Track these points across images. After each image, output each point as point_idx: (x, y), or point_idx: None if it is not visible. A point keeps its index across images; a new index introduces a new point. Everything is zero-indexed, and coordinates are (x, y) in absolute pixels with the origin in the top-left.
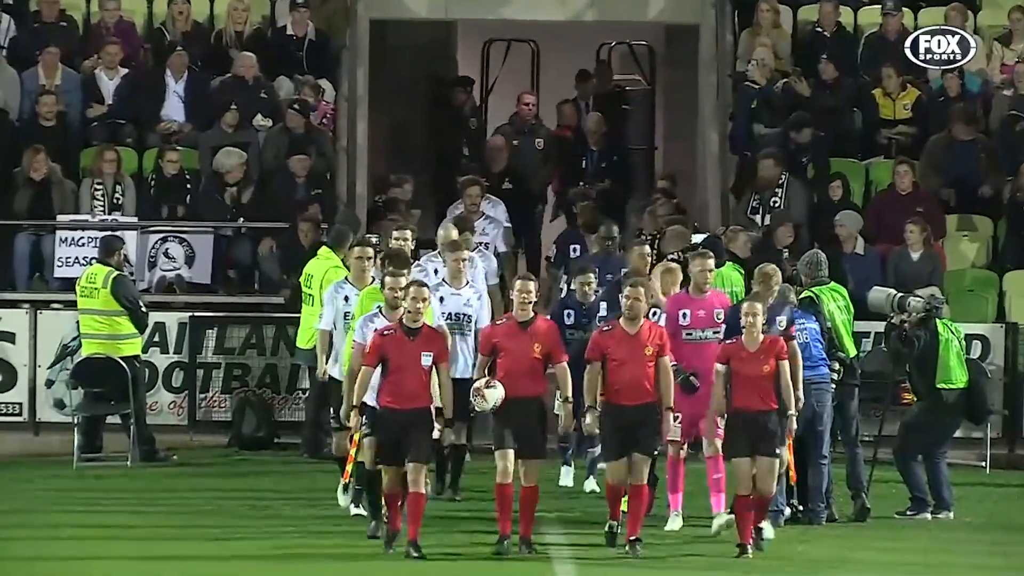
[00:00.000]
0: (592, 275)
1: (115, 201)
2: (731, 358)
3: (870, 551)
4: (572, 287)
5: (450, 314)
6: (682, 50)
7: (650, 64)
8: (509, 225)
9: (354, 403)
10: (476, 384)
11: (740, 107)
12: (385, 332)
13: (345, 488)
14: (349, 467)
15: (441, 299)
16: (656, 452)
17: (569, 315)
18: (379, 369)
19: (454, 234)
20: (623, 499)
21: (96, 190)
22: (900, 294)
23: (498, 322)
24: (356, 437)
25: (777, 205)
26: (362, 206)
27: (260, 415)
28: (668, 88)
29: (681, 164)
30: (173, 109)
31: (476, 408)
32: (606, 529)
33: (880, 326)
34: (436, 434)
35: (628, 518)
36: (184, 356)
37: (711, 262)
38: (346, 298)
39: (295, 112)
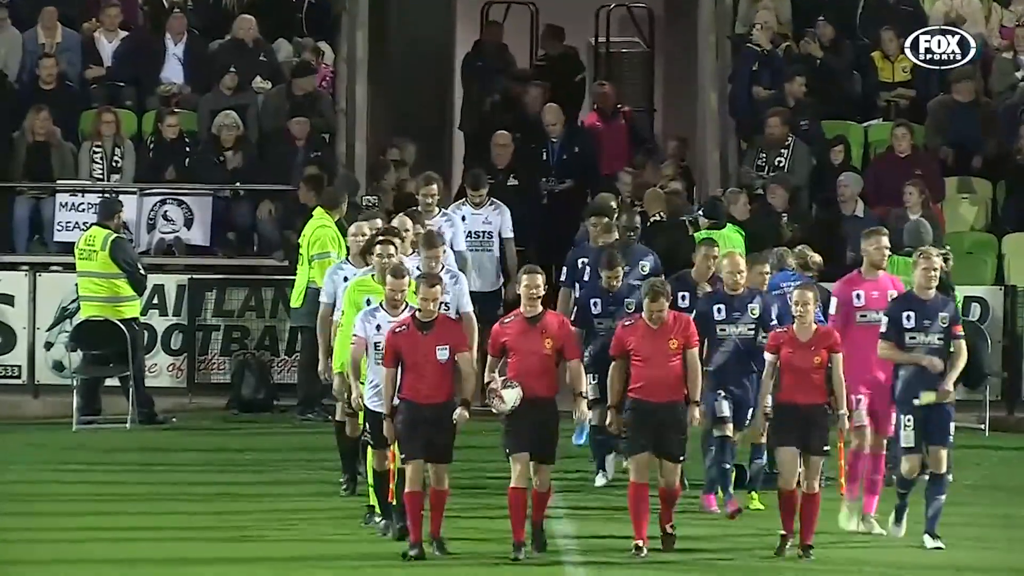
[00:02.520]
0: (621, 269)
1: (114, 164)
2: (781, 348)
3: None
4: (599, 276)
5: None
6: (681, 12)
7: (649, 26)
8: (510, 236)
9: (386, 412)
10: (492, 385)
11: (740, 69)
12: (398, 329)
13: (373, 511)
14: (393, 485)
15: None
16: (684, 458)
17: (596, 304)
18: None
19: (409, 223)
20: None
21: (95, 153)
22: None
23: (505, 320)
24: (394, 449)
25: (781, 165)
26: (361, 168)
27: (259, 377)
28: (667, 50)
29: (680, 126)
30: (172, 72)
31: (494, 410)
32: (631, 550)
33: None
34: (455, 417)
35: (661, 510)
36: (183, 318)
37: (886, 239)
38: (345, 278)
39: (306, 76)
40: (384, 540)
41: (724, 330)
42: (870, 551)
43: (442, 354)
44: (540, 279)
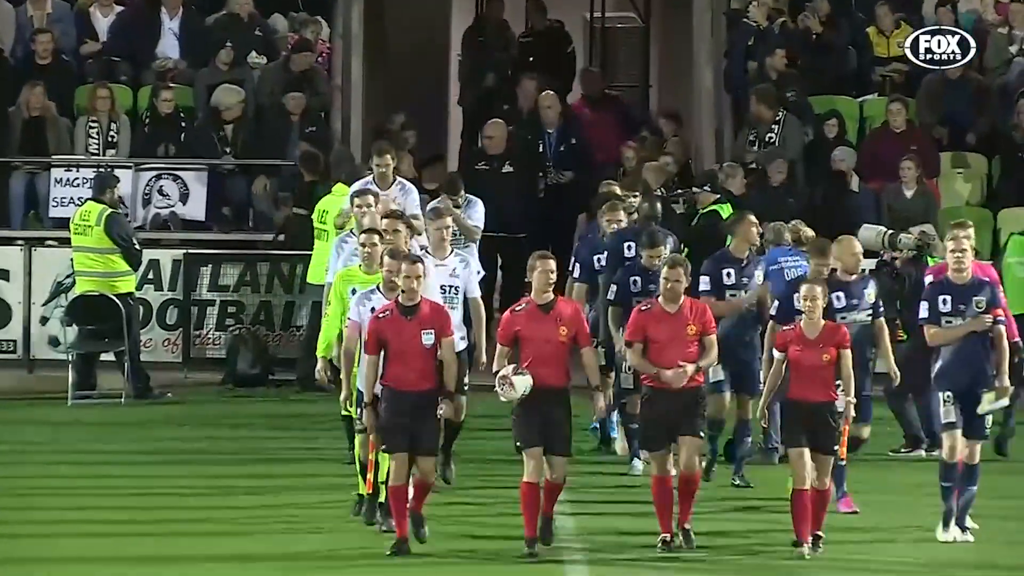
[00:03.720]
0: (663, 249)
1: (110, 139)
2: (789, 345)
3: (862, 492)
4: (639, 255)
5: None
6: None
7: (645, 1)
8: (479, 225)
9: (366, 400)
10: (503, 372)
11: (736, 45)
12: (381, 315)
13: (361, 500)
14: (370, 475)
15: None
16: (703, 436)
17: (635, 283)
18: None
19: (371, 199)
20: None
21: (91, 128)
22: (891, 231)
23: (517, 308)
24: (372, 437)
25: (772, 141)
26: (357, 144)
27: (254, 352)
28: (663, 26)
29: (675, 102)
30: (168, 47)
31: (503, 398)
32: (659, 545)
33: (871, 263)
34: (440, 413)
35: (680, 505)
36: (178, 293)
37: (967, 241)
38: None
39: (305, 53)
40: (381, 535)
41: (844, 318)
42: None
43: (427, 339)
44: (553, 264)
